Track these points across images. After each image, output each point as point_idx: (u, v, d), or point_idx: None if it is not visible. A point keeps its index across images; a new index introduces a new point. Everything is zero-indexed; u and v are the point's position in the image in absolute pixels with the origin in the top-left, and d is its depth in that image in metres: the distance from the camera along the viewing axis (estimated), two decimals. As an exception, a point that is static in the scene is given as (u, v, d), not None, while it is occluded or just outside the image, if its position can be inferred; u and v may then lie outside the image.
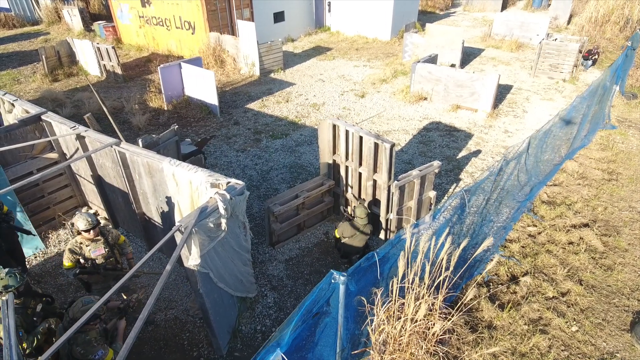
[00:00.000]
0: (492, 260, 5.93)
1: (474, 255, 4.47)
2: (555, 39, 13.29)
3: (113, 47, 13.05)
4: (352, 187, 6.26)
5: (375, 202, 6.10)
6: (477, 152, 8.94)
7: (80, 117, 9.43)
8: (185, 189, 4.70)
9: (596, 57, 13.86)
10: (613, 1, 18.29)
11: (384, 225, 6.16)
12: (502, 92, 12.42)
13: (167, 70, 10.91)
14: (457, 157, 8.77)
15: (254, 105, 11.55)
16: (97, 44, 13.41)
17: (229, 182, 4.33)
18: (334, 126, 5.95)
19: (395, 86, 12.84)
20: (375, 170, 5.73)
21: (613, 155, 8.60)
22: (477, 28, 20.52)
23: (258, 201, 7.37)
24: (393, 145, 5.32)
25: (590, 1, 18.57)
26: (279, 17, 17.61)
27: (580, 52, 12.85)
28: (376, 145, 5.46)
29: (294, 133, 9.89)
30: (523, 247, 6.22)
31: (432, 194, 6.34)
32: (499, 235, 6.30)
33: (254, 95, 12.33)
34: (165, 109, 11.19)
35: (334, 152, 6.23)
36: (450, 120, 10.54)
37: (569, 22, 19.92)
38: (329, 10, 19.44)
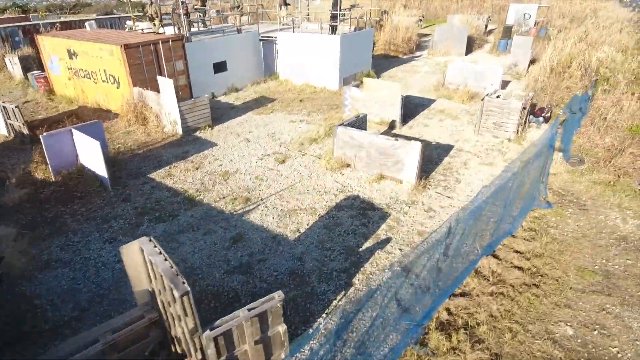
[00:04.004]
0: None
1: None
2: (498, 96, 12.29)
3: (17, 107, 11.91)
4: (174, 326, 4.85)
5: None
6: (385, 242, 7.60)
7: None
8: None
9: (549, 115, 12.86)
10: (573, 47, 17.62)
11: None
12: (441, 153, 11.29)
13: (54, 138, 9.69)
14: (360, 250, 7.42)
15: (157, 174, 10.29)
16: (3, 102, 12.32)
17: None
18: (142, 250, 4.62)
19: (325, 147, 11.70)
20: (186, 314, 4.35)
21: (541, 247, 7.28)
22: (436, 74, 19.79)
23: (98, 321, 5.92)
24: (187, 293, 3.97)
25: (548, 49, 17.88)
26: (220, 67, 16.74)
27: (524, 108, 11.82)
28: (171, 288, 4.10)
29: (184, 214, 8.56)
30: (398, 400, 4.77)
31: (282, 328, 4.94)
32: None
33: (165, 159, 11.11)
34: (53, 180, 9.91)
35: (152, 279, 4.86)
36: (370, 193, 9.27)
37: (528, 68, 19.17)
38: (278, 58, 18.64)
